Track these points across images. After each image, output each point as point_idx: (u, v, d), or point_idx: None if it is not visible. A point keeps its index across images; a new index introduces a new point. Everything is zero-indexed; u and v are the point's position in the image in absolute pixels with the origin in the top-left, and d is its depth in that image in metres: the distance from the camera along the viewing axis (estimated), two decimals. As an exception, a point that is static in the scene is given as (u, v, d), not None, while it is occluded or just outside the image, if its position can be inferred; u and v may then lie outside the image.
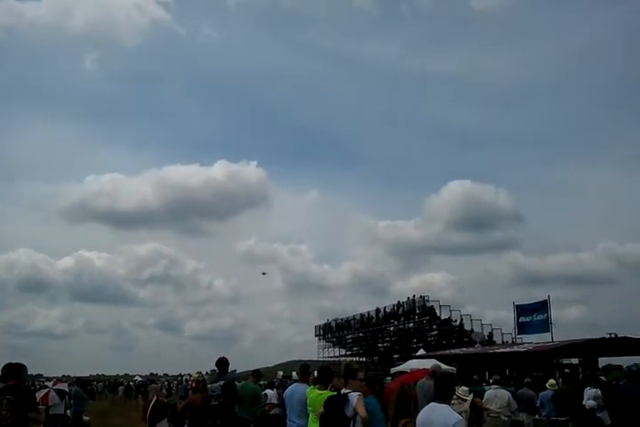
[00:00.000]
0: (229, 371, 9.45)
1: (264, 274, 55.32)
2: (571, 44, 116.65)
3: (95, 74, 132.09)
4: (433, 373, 9.35)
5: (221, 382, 8.91)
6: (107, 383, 46.50)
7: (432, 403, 5.07)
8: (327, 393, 6.24)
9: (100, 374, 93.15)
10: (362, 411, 5.63)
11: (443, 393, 5.09)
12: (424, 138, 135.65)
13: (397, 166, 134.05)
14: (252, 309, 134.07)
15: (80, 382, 20.20)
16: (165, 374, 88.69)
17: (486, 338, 37.02)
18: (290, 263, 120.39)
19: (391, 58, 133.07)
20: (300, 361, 44.33)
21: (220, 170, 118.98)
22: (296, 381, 8.67)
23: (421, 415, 5.10)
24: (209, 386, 9.13)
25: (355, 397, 5.74)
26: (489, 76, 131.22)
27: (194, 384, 9.50)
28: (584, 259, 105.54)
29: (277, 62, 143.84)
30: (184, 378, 35.60)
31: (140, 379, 49.06)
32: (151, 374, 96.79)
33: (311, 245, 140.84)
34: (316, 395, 6.37)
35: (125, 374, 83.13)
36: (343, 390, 5.91)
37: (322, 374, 6.70)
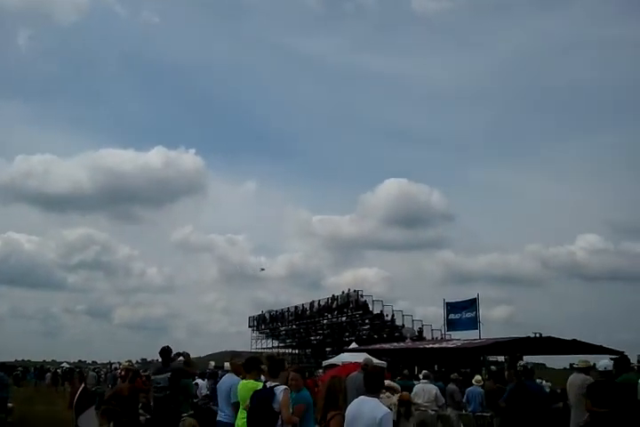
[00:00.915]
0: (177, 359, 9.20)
1: (262, 270, 53.54)
2: (504, 52, 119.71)
3: (29, 51, 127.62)
4: (364, 366, 9.49)
5: (168, 374, 8.67)
6: (33, 369, 45.24)
7: (361, 396, 5.16)
8: (255, 385, 6.23)
9: (25, 359, 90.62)
10: (286, 411, 5.69)
11: (372, 386, 5.19)
12: (363, 135, 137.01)
13: (336, 162, 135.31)
14: (186, 298, 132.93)
15: (4, 367, 19.58)
16: (94, 362, 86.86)
17: (416, 334, 37.69)
18: (226, 254, 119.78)
19: (332, 54, 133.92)
20: (232, 352, 44.16)
21: (156, 156, 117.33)
22: (228, 371, 8.61)
23: (350, 408, 5.19)
24: (153, 377, 8.92)
25: (281, 391, 5.77)
26: (426, 77, 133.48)
27: (123, 373, 9.35)
28: (512, 260, 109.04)
29: (220, 51, 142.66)
30: (113, 366, 34.99)
31: (68, 366, 47.95)
32: (79, 361, 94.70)
33: (248, 236, 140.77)
34: (245, 387, 6.38)
35: (52, 361, 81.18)
36: (269, 384, 5.93)
37: (249, 364, 6.67)
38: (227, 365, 10.56)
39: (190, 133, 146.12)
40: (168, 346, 8.92)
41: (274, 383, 5.91)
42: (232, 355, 8.12)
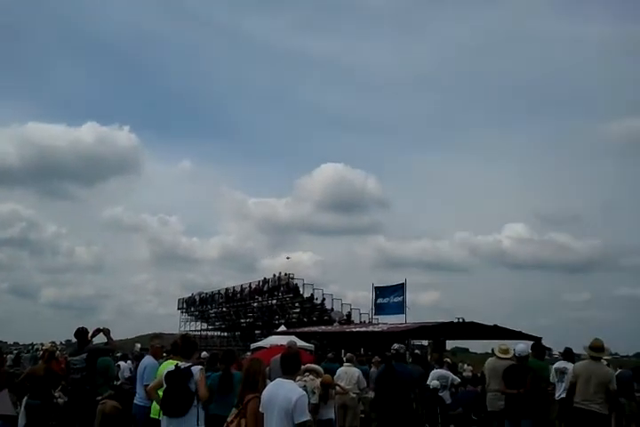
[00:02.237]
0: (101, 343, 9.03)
1: (288, 258, 51.83)
2: (446, 40, 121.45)
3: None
4: (289, 349, 9.54)
5: (84, 355, 8.54)
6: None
7: (278, 378, 5.18)
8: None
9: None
10: (203, 388, 5.68)
11: (288, 369, 5.22)
12: (302, 119, 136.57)
13: (273, 145, 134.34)
14: (115, 279, 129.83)
15: None
16: (16, 343, 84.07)
17: (345, 317, 38.09)
18: (158, 234, 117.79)
19: (274, 35, 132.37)
20: (160, 334, 43.62)
21: (88, 132, 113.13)
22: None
23: (267, 390, 5.21)
24: (69, 359, 8.75)
25: (197, 371, 5.76)
26: (367, 62, 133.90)
27: (46, 354, 9.16)
28: (441, 246, 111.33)
29: (159, 26, 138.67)
30: (35, 347, 34.06)
31: (-14, 347, 46.42)
32: (0, 341, 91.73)
33: (181, 216, 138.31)
34: (164, 368, 6.31)
35: (-29, 341, 78.23)
36: (183, 364, 5.90)
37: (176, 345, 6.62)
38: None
39: (125, 110, 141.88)
40: (84, 327, 8.77)
41: (188, 364, 5.88)
42: (152, 336, 7.99)
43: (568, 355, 11.51)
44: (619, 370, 12.48)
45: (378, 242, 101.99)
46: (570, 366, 10.28)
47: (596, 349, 9.04)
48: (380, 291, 34.81)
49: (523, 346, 9.97)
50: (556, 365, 11.49)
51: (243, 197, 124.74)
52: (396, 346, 9.46)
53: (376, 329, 27.34)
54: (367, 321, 36.90)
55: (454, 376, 14.00)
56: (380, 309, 34.74)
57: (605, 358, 13.54)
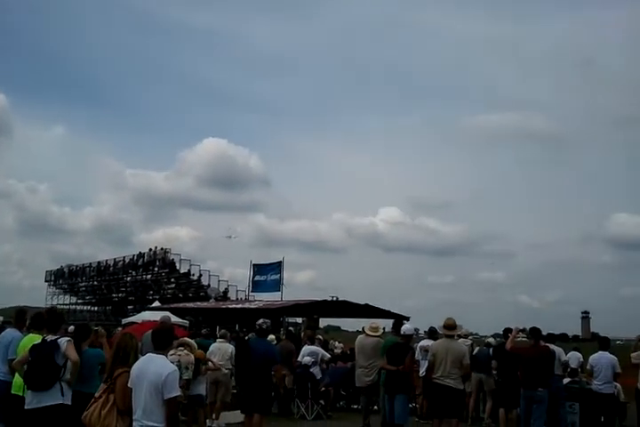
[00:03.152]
0: None
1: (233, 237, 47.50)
2: (333, 24, 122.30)
3: None
4: (161, 324, 9.40)
5: None
6: None
7: (148, 353, 5.11)
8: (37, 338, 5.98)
9: None
10: (73, 354, 5.51)
11: (159, 343, 5.16)
12: (187, 92, 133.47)
13: (156, 117, 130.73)
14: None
15: None
16: None
17: (221, 294, 37.99)
18: (25, 202, 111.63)
19: (160, 7, 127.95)
20: (25, 307, 41.61)
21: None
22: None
23: (136, 365, 5.12)
24: None
25: (64, 342, 5.59)
26: (255, 40, 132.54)
27: None
28: (320, 227, 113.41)
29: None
30: None
31: None
32: None
33: (52, 184, 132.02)
34: (31, 342, 6.07)
35: None
36: (50, 337, 5.71)
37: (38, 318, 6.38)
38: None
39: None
40: None
41: (55, 336, 5.70)
42: (17, 310, 7.59)
43: (432, 334, 12.12)
44: (477, 348, 13.24)
45: (258, 220, 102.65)
46: (434, 344, 10.84)
47: (449, 327, 9.66)
48: (258, 268, 34.90)
49: (408, 325, 10.40)
50: (421, 343, 12.07)
51: (120, 167, 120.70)
52: (260, 321, 9.56)
53: (252, 306, 27.48)
54: (244, 298, 36.98)
55: (324, 352, 14.40)
56: (256, 286, 34.87)
57: (467, 337, 14.39)
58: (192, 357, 9.58)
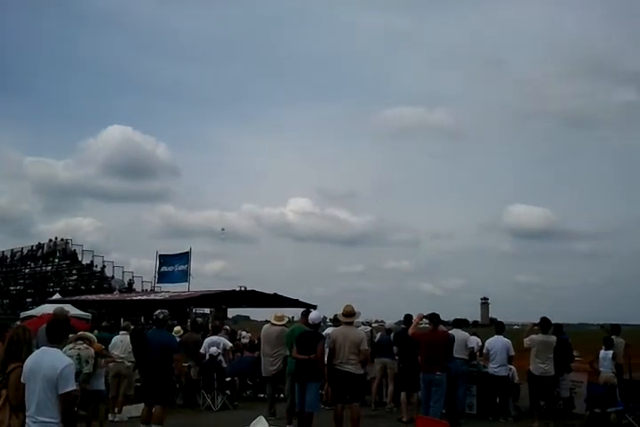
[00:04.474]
0: None
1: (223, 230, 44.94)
2: (251, 13, 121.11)
3: None
4: (55, 316, 9.10)
5: None
6: None
7: (43, 347, 4.95)
8: None
9: None
10: None
11: (54, 336, 5.00)
12: (88, 78, 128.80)
13: (56, 103, 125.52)
14: None
15: None
16: None
17: (126, 285, 37.15)
18: None
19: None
20: None
21: None
22: None
23: (30, 359, 4.94)
24: None
25: None
26: (171, 27, 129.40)
27: None
28: (230, 217, 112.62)
29: None
30: None
31: None
32: None
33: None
34: None
35: None
36: None
37: None
38: None
39: None
40: None
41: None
42: None
43: (336, 322, 12.32)
44: (379, 334, 13.56)
45: (166, 210, 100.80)
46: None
47: (348, 314, 9.93)
48: (165, 259, 34.25)
49: (315, 314, 10.47)
50: (325, 331, 12.25)
51: (17, 155, 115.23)
52: (157, 312, 9.47)
53: (158, 297, 26.92)
54: (150, 289, 36.26)
55: (226, 341, 14.32)
56: (163, 277, 34.22)
57: (370, 325, 14.73)
58: (92, 350, 9.32)
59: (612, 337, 13.00)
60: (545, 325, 11.42)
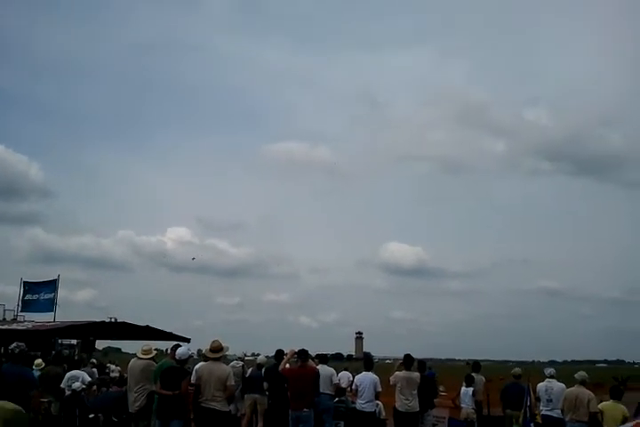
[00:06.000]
0: None
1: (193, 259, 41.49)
2: (139, 38, 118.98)
3: None
4: None
5: None
6: None
7: None
8: None
9: None
10: None
11: None
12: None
13: None
14: None
15: None
16: None
17: (-15, 314, 34.78)
18: None
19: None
20: None
21: None
22: None
23: None
24: None
25: None
26: (45, 41, 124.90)
27: None
28: (104, 243, 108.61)
29: None
30: None
31: None
32: None
33: None
34: None
35: None
36: None
37: None
38: None
39: None
40: None
41: None
42: None
43: (205, 357, 12.16)
44: (250, 369, 13.49)
45: (35, 234, 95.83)
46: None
47: (214, 350, 9.86)
48: (30, 286, 32.43)
49: (183, 349, 10.26)
50: (196, 366, 12.04)
51: None
52: (12, 346, 8.98)
53: (20, 327, 25.52)
54: (12, 319, 34.15)
55: (85, 375, 13.70)
56: (27, 306, 32.34)
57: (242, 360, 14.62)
58: None
59: (473, 374, 13.66)
60: (407, 361, 11.80)
